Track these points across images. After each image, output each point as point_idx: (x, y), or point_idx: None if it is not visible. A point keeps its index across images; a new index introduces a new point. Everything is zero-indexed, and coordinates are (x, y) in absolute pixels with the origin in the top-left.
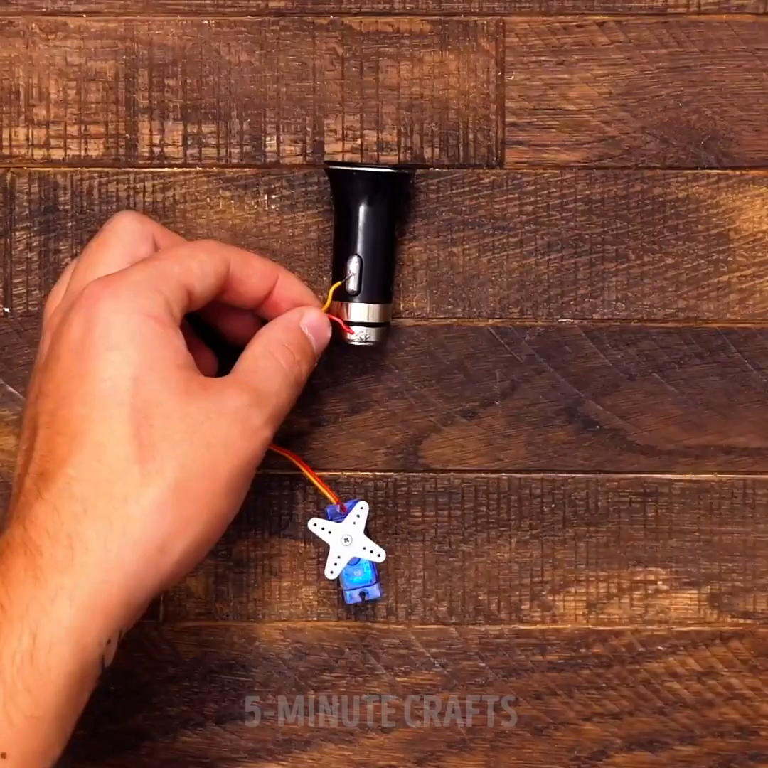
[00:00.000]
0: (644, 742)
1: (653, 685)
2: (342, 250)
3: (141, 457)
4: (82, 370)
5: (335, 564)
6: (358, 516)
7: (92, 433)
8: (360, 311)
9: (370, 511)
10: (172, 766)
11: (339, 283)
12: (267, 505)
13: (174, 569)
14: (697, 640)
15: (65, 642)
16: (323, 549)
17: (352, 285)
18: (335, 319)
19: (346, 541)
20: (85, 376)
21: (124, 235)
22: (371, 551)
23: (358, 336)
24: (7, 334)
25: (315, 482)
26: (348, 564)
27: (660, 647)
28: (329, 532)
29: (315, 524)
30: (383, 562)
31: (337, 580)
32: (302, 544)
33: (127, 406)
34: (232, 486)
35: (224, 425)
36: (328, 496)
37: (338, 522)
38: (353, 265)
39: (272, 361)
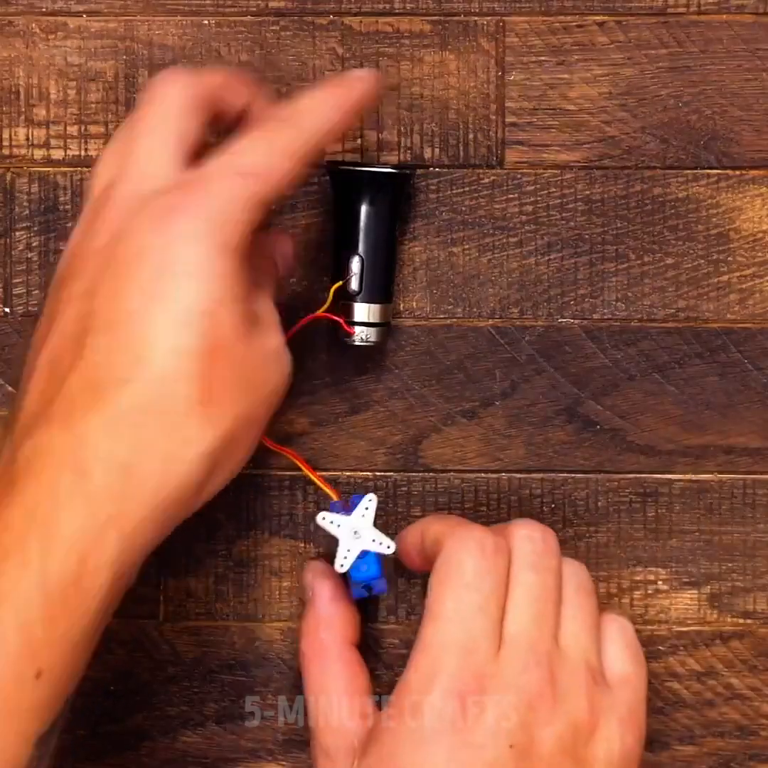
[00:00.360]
0: (644, 742)
1: (653, 685)
2: (343, 250)
3: (204, 399)
4: (158, 289)
5: (345, 557)
6: (366, 508)
7: (160, 363)
8: (361, 311)
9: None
10: (172, 766)
11: (340, 282)
12: (267, 505)
13: (200, 504)
14: (697, 640)
15: (109, 569)
16: (324, 548)
17: (354, 285)
18: (336, 319)
19: (356, 534)
20: (159, 297)
21: (169, 114)
22: (381, 543)
23: (359, 336)
24: (7, 334)
25: (315, 480)
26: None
27: (660, 647)
28: (338, 526)
29: (324, 518)
30: (393, 554)
31: (345, 575)
32: (302, 544)
33: (199, 341)
34: (265, 424)
35: (269, 368)
36: (329, 492)
37: (346, 515)
38: (355, 265)
39: (263, 291)
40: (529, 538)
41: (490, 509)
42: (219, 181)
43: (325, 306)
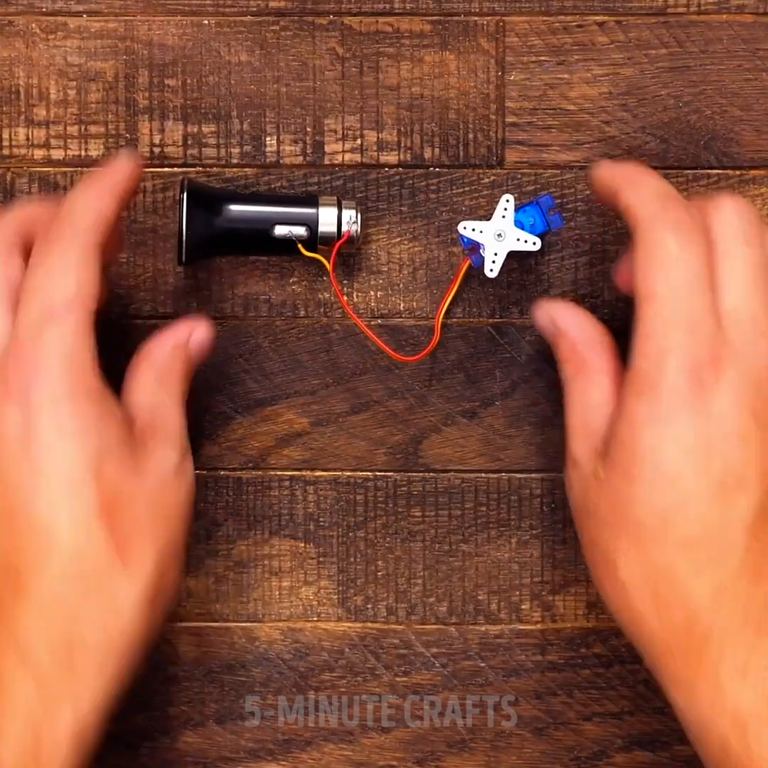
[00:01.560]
0: (644, 742)
1: (653, 685)
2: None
3: (120, 553)
4: (35, 467)
5: (493, 261)
6: (505, 209)
7: (66, 538)
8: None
9: None
10: (172, 766)
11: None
12: (267, 505)
13: (156, 640)
14: None
15: (67, 742)
16: (323, 549)
17: (352, 231)
18: (337, 286)
19: (500, 236)
20: (41, 473)
21: None
22: (526, 241)
23: (353, 232)
24: None
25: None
26: (516, 218)
27: None
28: (480, 232)
29: (465, 227)
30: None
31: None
32: (302, 544)
33: (95, 502)
34: (187, 539)
35: (174, 493)
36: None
37: (486, 221)
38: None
39: (167, 396)
40: (737, 213)
41: (490, 509)
42: (44, 333)
43: (331, 263)
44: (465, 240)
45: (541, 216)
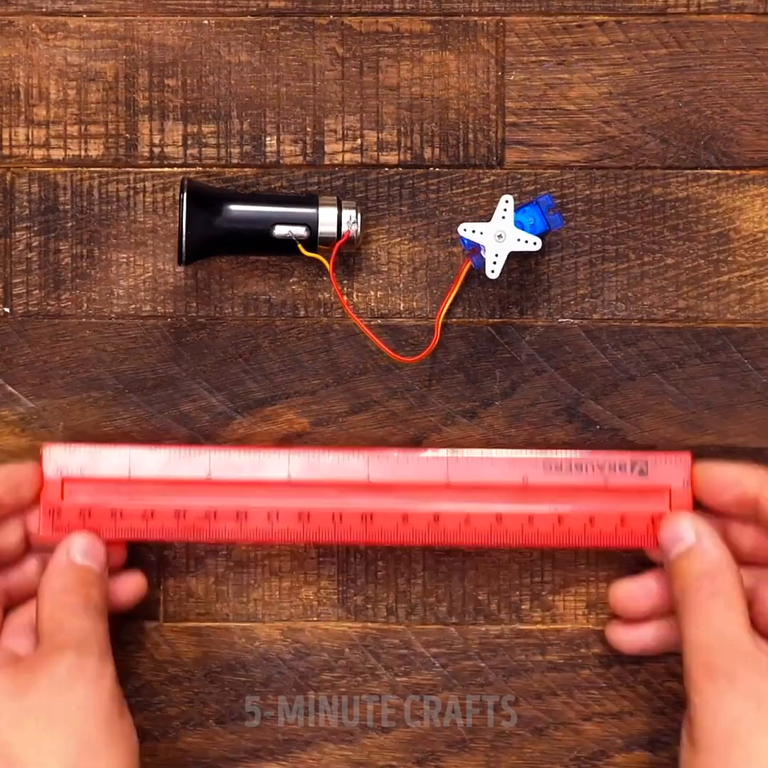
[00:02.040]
0: (644, 742)
1: (653, 685)
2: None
3: None
4: None
5: (494, 262)
6: (505, 210)
7: None
8: (328, 219)
9: None
10: (172, 766)
11: (343, 239)
12: None
13: None
14: None
15: None
16: (323, 549)
17: (352, 231)
18: (337, 286)
19: (500, 237)
20: None
21: None
22: (527, 241)
23: (353, 232)
24: (7, 334)
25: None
26: (515, 219)
27: None
28: (481, 233)
29: (465, 229)
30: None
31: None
32: (302, 545)
33: None
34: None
35: (68, 694)
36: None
37: (486, 222)
38: (346, 216)
39: (68, 611)
40: None
41: None
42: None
43: (332, 263)
44: (465, 242)
45: (540, 216)
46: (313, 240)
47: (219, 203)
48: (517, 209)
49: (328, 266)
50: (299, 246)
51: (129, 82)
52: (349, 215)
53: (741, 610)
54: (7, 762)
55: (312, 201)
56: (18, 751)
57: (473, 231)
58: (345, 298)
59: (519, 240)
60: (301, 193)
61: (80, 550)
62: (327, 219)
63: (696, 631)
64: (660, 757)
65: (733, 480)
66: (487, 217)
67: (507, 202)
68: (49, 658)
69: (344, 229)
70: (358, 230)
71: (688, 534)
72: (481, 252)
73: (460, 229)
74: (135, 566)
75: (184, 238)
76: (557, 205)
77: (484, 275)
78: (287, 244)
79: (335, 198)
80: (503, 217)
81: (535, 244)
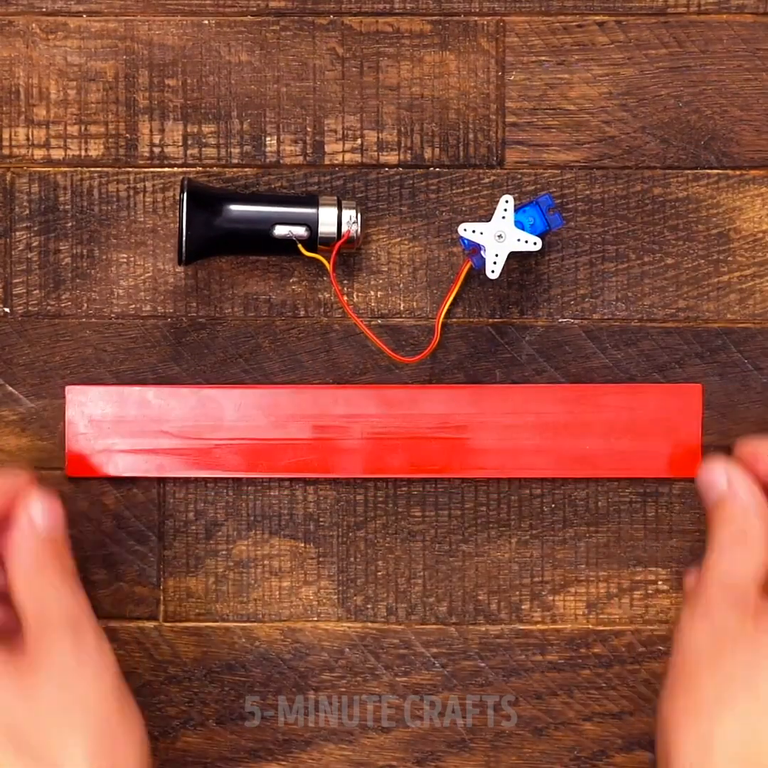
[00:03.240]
0: (644, 742)
1: (653, 685)
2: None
3: None
4: None
5: (494, 262)
6: (505, 210)
7: None
8: (328, 220)
9: None
10: (172, 766)
11: (343, 239)
12: (267, 505)
13: None
14: None
15: None
16: (323, 549)
17: (352, 231)
18: (337, 286)
19: (500, 237)
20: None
21: None
22: (527, 241)
23: (353, 232)
24: (7, 334)
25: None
26: (516, 219)
27: (660, 647)
28: (481, 233)
29: (465, 229)
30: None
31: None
32: (302, 544)
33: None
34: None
35: (78, 678)
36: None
37: (486, 222)
38: (345, 216)
39: (50, 589)
40: None
41: (490, 509)
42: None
43: (332, 263)
44: (465, 242)
45: (541, 216)
46: (314, 240)
47: (219, 203)
48: (517, 209)
49: (329, 266)
50: (299, 246)
51: (129, 82)
52: (349, 215)
53: (758, 561)
54: (31, 759)
55: (312, 201)
56: (39, 748)
57: (473, 231)
58: (345, 298)
59: (519, 240)
60: (301, 193)
61: (44, 516)
62: (327, 219)
63: (712, 572)
64: None
65: None
66: (487, 217)
67: (507, 202)
68: (46, 643)
69: (344, 229)
70: (358, 230)
71: (720, 479)
72: (481, 252)
73: (460, 229)
74: (135, 563)
75: (184, 238)
76: (557, 205)
77: (484, 275)
78: (287, 244)
79: (335, 198)
80: (503, 217)
81: (535, 244)
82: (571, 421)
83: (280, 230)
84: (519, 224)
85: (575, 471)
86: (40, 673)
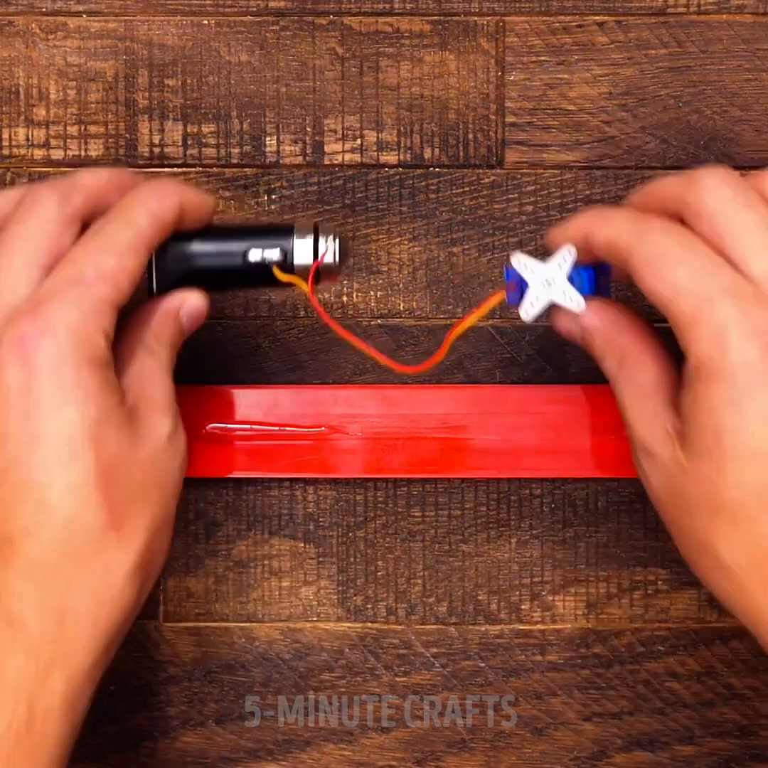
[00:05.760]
0: (644, 742)
1: (653, 685)
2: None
3: (114, 523)
4: (33, 429)
5: (532, 304)
6: (564, 259)
7: (61, 504)
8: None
9: None
10: (172, 766)
11: (318, 261)
12: (267, 505)
13: (140, 609)
14: (697, 640)
15: (60, 710)
16: (323, 549)
17: (329, 258)
18: (320, 308)
19: (548, 283)
20: (39, 436)
21: (39, 235)
22: (571, 299)
23: (331, 257)
24: None
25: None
26: (570, 272)
27: (660, 647)
28: (532, 271)
29: (518, 260)
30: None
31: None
32: (302, 545)
33: (92, 469)
34: (176, 508)
35: (168, 461)
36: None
37: (542, 263)
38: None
39: (157, 364)
40: (719, 185)
41: (490, 509)
42: (65, 294)
43: (309, 288)
44: (510, 273)
45: (592, 280)
46: (290, 269)
47: (191, 235)
48: (574, 265)
49: (306, 288)
50: (274, 269)
51: (129, 82)
52: (327, 243)
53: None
54: (109, 508)
55: (287, 230)
56: (121, 500)
57: (526, 265)
58: (344, 298)
59: (564, 294)
60: (281, 220)
61: (189, 312)
62: (302, 248)
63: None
64: (660, 757)
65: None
66: (487, 217)
67: (569, 252)
68: (153, 417)
69: (321, 252)
70: (336, 257)
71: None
72: (523, 288)
73: (514, 257)
74: None
75: (153, 270)
76: (557, 205)
77: (484, 275)
78: (262, 274)
79: (312, 224)
80: (559, 266)
81: (578, 305)
82: (571, 422)
83: (253, 256)
84: (570, 278)
85: (575, 471)
86: (138, 437)
